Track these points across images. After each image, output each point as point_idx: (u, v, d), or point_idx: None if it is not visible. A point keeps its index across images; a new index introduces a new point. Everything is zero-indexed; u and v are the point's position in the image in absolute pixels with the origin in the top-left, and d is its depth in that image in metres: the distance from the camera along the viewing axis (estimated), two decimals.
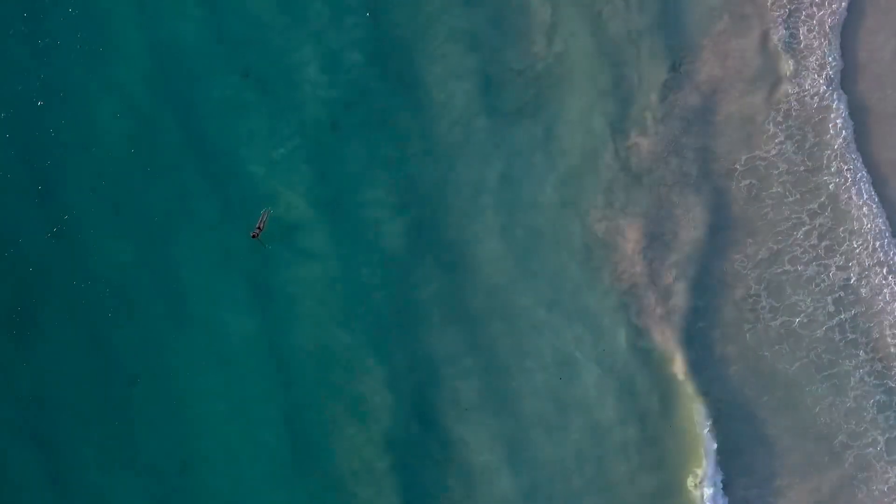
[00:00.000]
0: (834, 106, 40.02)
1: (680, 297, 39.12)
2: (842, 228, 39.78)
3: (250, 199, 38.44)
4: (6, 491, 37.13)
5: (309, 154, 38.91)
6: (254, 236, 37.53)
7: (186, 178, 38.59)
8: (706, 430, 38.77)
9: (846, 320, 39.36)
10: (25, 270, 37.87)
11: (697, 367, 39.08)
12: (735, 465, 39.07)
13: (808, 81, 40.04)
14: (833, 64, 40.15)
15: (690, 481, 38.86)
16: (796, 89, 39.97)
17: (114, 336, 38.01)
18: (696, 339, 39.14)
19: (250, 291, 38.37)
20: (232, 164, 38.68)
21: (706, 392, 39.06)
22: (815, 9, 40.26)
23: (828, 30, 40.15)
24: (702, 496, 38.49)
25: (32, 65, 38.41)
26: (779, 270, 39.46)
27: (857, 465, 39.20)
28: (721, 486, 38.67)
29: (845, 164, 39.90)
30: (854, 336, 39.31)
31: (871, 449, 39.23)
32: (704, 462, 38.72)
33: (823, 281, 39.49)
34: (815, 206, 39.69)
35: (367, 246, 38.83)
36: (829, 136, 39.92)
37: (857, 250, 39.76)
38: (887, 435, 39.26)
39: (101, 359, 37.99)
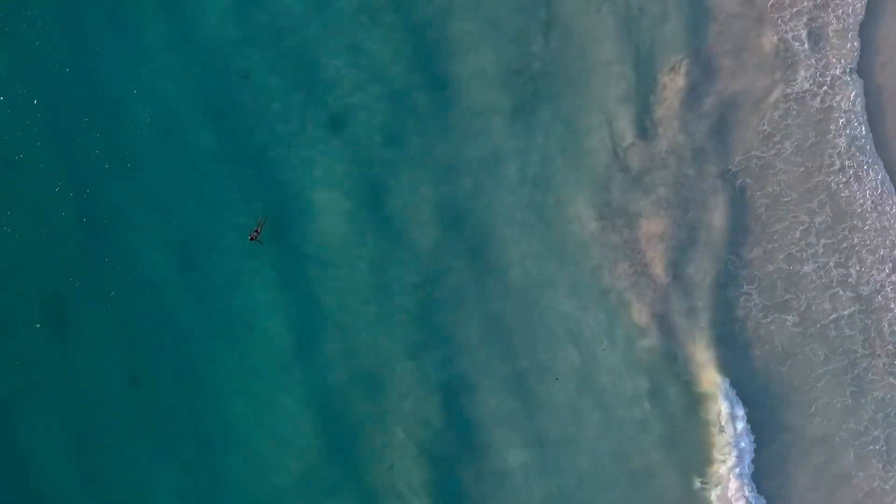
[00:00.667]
0: (835, 105, 40.11)
1: (679, 296, 39.21)
2: (842, 226, 40.01)
3: (275, 192, 38.58)
4: (37, 480, 37.45)
5: (321, 147, 39.00)
6: (252, 238, 37.84)
7: (213, 176, 38.63)
8: (719, 429, 38.85)
9: (846, 317, 39.69)
10: (54, 264, 37.85)
11: (699, 367, 39.20)
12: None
13: (810, 82, 40.11)
14: (837, 64, 40.23)
15: (698, 482, 38.87)
16: (796, 89, 40.04)
17: (139, 334, 38.04)
18: (696, 338, 39.23)
19: (277, 290, 38.39)
20: (257, 159, 38.69)
21: (708, 390, 39.18)
22: (818, 12, 40.33)
23: (831, 33, 40.22)
24: (712, 497, 38.83)
25: (65, 62, 38.22)
26: (802, 269, 39.80)
27: (857, 463, 39.41)
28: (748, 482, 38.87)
29: (850, 161, 40.11)
30: (852, 333, 39.65)
31: (872, 447, 39.49)
32: (716, 460, 39.02)
33: (822, 278, 39.78)
34: (814, 204, 39.86)
35: (393, 241, 39.11)
36: (831, 135, 40.07)
37: (858, 247, 40.04)
38: (888, 432, 39.61)
39: (126, 354, 38.15)
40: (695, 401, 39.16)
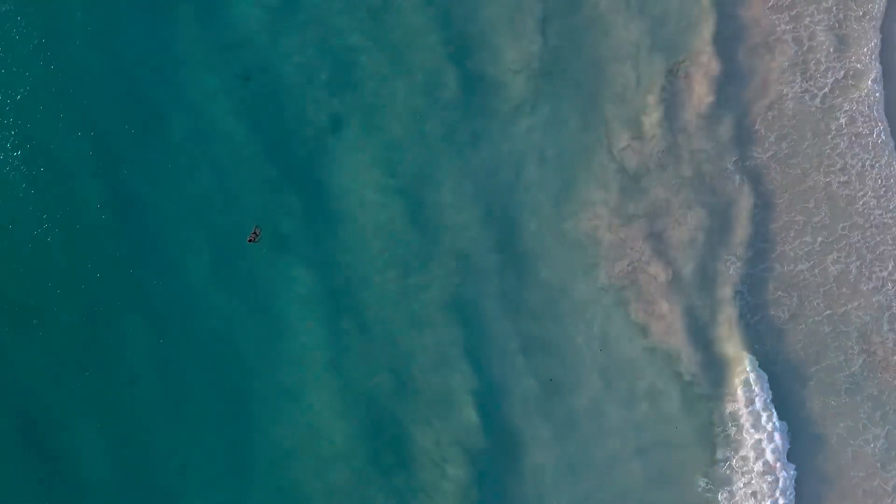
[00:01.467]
0: (837, 105, 40.24)
1: (678, 296, 39.24)
2: (840, 225, 40.10)
3: (306, 189, 38.88)
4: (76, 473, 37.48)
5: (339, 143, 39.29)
6: (250, 241, 38.36)
7: (246, 175, 38.92)
8: (720, 432, 38.99)
9: (840, 314, 39.78)
10: (88, 264, 38.08)
11: (700, 367, 39.23)
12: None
13: (811, 83, 40.28)
14: (839, 66, 40.33)
15: (702, 482, 38.83)
16: (797, 90, 40.16)
17: (177, 337, 38.27)
18: (695, 338, 39.21)
19: (309, 287, 38.57)
20: (288, 158, 38.93)
21: (707, 393, 39.20)
22: (821, 16, 40.48)
23: (832, 36, 40.40)
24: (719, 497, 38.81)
25: (107, 72, 38.57)
26: (802, 269, 39.86)
27: (855, 462, 39.47)
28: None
29: (853, 159, 40.22)
30: (847, 330, 39.68)
31: (871, 445, 39.54)
32: (719, 461, 39.11)
33: (816, 276, 39.88)
34: (810, 204, 39.99)
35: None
36: (831, 135, 40.19)
37: (858, 244, 40.17)
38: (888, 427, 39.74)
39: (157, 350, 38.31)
40: (698, 400, 39.16)
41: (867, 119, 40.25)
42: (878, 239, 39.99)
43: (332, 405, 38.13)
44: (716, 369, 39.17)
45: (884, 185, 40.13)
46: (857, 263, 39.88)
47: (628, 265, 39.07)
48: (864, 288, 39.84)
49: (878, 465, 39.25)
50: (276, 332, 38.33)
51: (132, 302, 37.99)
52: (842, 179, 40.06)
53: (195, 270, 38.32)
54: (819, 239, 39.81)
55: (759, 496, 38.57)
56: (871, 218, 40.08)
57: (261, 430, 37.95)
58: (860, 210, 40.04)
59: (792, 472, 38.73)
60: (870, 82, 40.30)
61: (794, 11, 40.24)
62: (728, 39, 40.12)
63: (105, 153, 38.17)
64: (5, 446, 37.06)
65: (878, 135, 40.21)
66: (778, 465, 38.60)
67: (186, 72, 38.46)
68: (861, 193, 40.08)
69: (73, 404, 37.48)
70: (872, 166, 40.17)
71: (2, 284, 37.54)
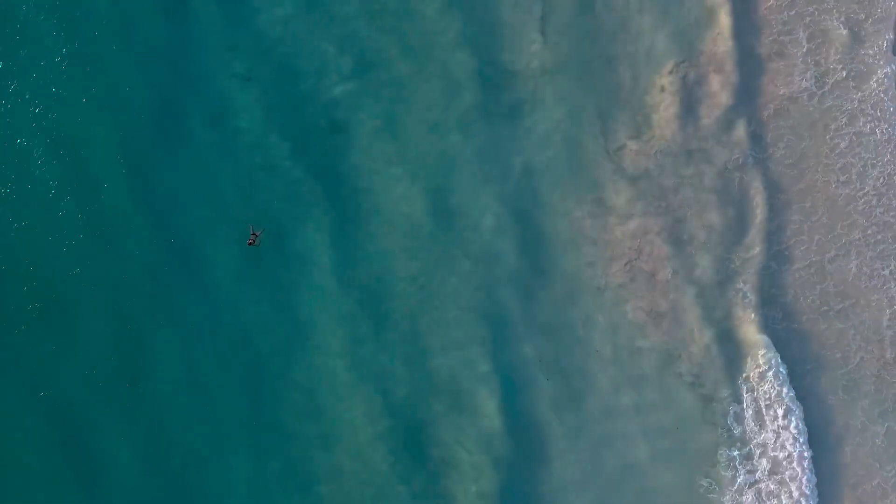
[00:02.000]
0: (837, 105, 40.38)
1: (676, 295, 39.23)
2: (840, 225, 40.17)
3: (328, 188, 38.81)
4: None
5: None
6: (250, 243, 38.07)
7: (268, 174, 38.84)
8: (721, 432, 39.01)
9: (836, 311, 39.78)
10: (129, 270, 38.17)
11: (701, 367, 39.19)
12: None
13: (814, 83, 40.40)
14: (840, 69, 40.48)
15: (704, 483, 38.79)
16: (793, 89, 40.26)
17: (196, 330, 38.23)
18: (695, 338, 39.20)
19: (333, 289, 38.44)
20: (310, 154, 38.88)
21: (709, 393, 39.17)
22: (822, 16, 40.61)
23: (834, 37, 40.54)
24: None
25: (129, 69, 38.42)
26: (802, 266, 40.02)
27: (853, 461, 39.44)
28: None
29: (854, 158, 40.34)
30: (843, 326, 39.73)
31: (870, 444, 39.51)
32: (720, 461, 39.13)
33: (814, 275, 39.90)
34: (808, 203, 40.05)
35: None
36: (830, 135, 40.28)
37: (857, 242, 40.20)
38: (888, 424, 39.74)
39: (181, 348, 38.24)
40: (699, 400, 39.10)
41: (869, 118, 40.36)
42: (878, 237, 40.12)
43: (346, 397, 38.00)
44: (717, 369, 39.10)
45: (885, 184, 40.24)
46: (857, 262, 39.98)
47: (626, 264, 39.09)
48: (863, 286, 39.95)
49: (878, 464, 39.31)
50: (293, 328, 38.14)
51: (153, 299, 37.92)
52: (842, 178, 40.14)
53: (214, 266, 38.22)
54: (817, 237, 39.90)
55: (762, 496, 38.62)
56: (872, 216, 40.16)
57: (273, 423, 37.88)
58: (860, 209, 40.15)
59: (805, 475, 38.84)
60: (873, 83, 40.46)
61: (794, 11, 40.41)
62: (728, 39, 40.10)
63: (126, 149, 38.11)
64: (35, 444, 37.06)
65: (882, 133, 40.35)
66: (784, 462, 38.67)
67: (201, 67, 38.55)
68: (861, 193, 40.18)
69: (98, 402, 37.38)
70: (874, 165, 40.27)
71: (23, 284, 37.33)
